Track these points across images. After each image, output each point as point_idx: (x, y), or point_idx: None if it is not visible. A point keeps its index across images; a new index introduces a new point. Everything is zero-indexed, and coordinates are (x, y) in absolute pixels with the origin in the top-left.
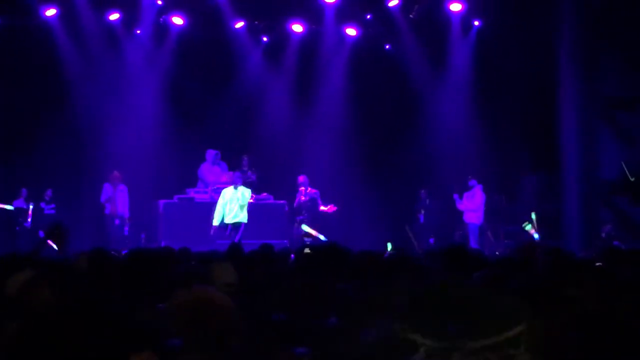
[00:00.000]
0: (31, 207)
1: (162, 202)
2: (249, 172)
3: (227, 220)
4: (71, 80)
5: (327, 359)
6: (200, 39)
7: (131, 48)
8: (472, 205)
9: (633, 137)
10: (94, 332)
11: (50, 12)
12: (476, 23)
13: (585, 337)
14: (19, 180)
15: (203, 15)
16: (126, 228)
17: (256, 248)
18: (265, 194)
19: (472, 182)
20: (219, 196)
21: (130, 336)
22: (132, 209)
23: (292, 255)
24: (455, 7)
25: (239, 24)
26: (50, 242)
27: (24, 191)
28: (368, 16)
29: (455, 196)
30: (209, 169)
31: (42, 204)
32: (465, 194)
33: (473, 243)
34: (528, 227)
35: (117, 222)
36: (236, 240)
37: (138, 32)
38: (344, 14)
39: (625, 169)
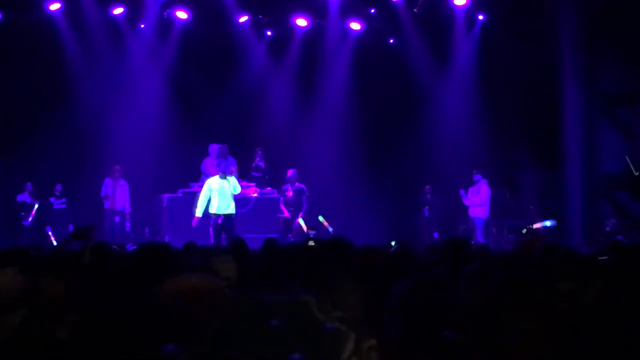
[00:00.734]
0: (36, 205)
1: (165, 196)
2: (262, 165)
3: (218, 211)
4: (75, 75)
5: None
6: (204, 33)
7: (135, 42)
8: (478, 199)
9: (633, 132)
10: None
11: (55, 6)
12: (480, 17)
13: (578, 330)
14: (24, 174)
15: (207, 10)
16: (127, 223)
17: (260, 242)
18: (269, 188)
19: (477, 176)
20: None
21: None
22: (136, 203)
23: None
24: (460, 1)
25: (243, 18)
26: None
27: (28, 185)
28: (372, 10)
29: (462, 191)
30: (212, 163)
31: (52, 199)
32: (471, 189)
33: (480, 237)
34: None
35: (117, 218)
36: (233, 232)
37: (142, 26)
38: (348, 9)
39: (630, 163)
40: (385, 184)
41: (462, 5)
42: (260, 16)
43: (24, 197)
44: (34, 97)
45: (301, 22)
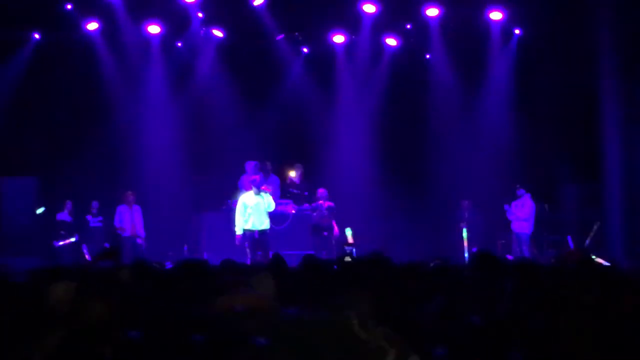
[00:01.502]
0: (73, 239)
1: (203, 214)
2: (297, 182)
3: (253, 227)
4: (112, 94)
5: None
6: (240, 50)
7: (172, 60)
8: (522, 214)
9: None
10: None
11: (92, 26)
12: (517, 32)
13: (600, 343)
14: (63, 193)
15: (243, 27)
16: (143, 248)
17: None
18: (307, 204)
19: (521, 191)
20: None
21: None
22: (174, 221)
23: (335, 267)
24: (496, 15)
25: (279, 36)
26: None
27: (68, 204)
28: (408, 26)
29: (506, 206)
30: (248, 180)
31: (89, 217)
32: (514, 203)
33: (526, 252)
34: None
35: (138, 240)
36: (268, 248)
37: (179, 44)
38: (384, 24)
39: None
40: (423, 200)
41: (499, 19)
42: (297, 33)
43: (63, 215)
44: (71, 116)
45: (338, 38)
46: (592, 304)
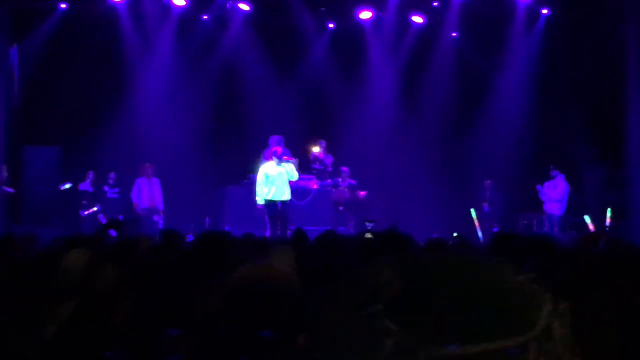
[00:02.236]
0: (95, 208)
1: (226, 187)
2: (321, 157)
3: (274, 198)
4: (136, 65)
5: None
6: (267, 25)
7: (197, 34)
8: (555, 195)
9: None
10: None
11: None
12: (544, 12)
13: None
14: (86, 164)
15: (270, 2)
16: (161, 222)
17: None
18: (330, 180)
19: (555, 172)
20: None
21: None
22: (197, 194)
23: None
24: None
25: (304, 11)
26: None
27: (90, 174)
28: (435, 4)
29: (538, 187)
30: (270, 151)
31: (106, 187)
32: (547, 184)
33: (557, 233)
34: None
35: (155, 217)
36: (288, 220)
37: (205, 17)
38: (410, 2)
39: None
40: (446, 179)
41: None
42: (323, 9)
43: (85, 186)
44: (95, 87)
45: (365, 14)
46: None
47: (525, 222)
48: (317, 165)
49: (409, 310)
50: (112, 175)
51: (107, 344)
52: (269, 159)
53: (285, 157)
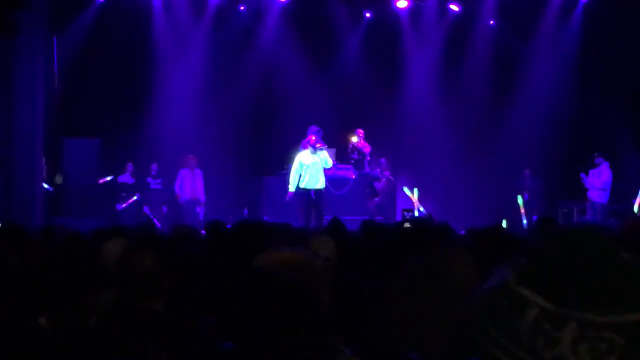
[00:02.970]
0: (135, 197)
1: (264, 178)
2: (359, 146)
3: (307, 186)
4: (173, 58)
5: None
6: (305, 15)
7: (233, 25)
8: (599, 183)
9: None
10: None
11: None
12: None
13: None
14: (125, 155)
15: None
16: (202, 213)
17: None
18: (367, 170)
19: (599, 159)
20: None
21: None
22: (235, 185)
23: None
24: None
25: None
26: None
27: (129, 166)
28: None
29: (582, 175)
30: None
31: (149, 179)
32: (591, 172)
33: (600, 221)
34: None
35: (197, 208)
36: (323, 209)
37: (241, 8)
38: None
39: None
40: (486, 168)
41: None
42: None
43: (125, 178)
44: (134, 79)
45: (402, 3)
46: None
47: (565, 210)
48: (355, 155)
49: (552, 278)
50: (154, 166)
51: (148, 332)
52: (305, 148)
53: (319, 145)
